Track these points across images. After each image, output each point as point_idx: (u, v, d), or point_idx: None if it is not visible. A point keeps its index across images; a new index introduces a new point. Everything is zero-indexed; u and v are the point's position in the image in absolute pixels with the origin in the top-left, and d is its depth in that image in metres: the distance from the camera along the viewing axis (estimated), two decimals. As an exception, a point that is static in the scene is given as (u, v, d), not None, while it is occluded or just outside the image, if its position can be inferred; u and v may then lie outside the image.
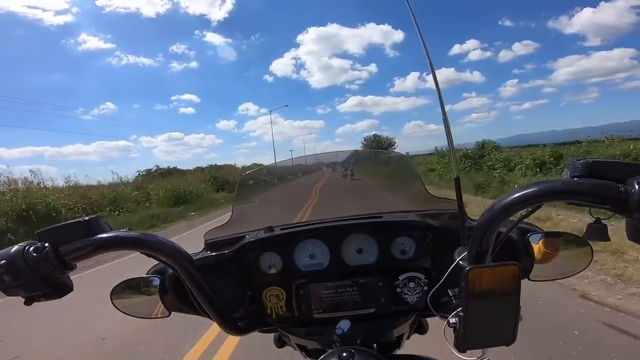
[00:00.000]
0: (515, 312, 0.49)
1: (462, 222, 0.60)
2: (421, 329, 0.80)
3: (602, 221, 0.46)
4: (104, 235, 0.52)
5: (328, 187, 1.09)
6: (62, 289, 0.52)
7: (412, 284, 0.71)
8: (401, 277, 0.71)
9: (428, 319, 0.78)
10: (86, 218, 0.52)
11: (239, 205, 0.92)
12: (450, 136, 0.58)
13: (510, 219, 0.48)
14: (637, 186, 0.40)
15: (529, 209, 0.47)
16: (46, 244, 0.49)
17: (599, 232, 0.46)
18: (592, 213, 0.46)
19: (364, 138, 61.56)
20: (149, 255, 0.57)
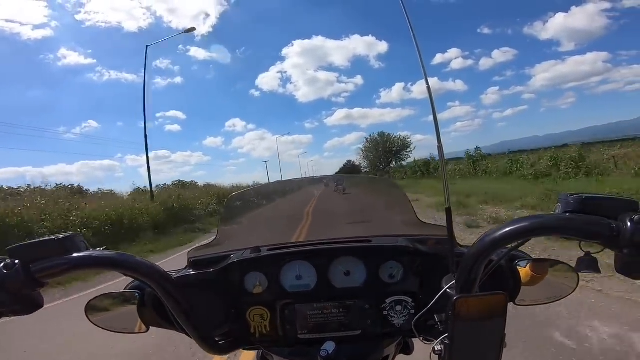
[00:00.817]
0: (501, 339, 0.49)
1: (450, 250, 0.60)
2: (407, 349, 0.79)
3: (592, 254, 0.46)
4: (79, 254, 0.50)
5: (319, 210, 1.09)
6: (31, 305, 0.50)
7: (399, 307, 0.70)
8: (388, 301, 0.71)
9: (416, 340, 0.77)
10: (61, 236, 0.50)
11: (225, 225, 0.91)
12: (444, 166, 0.57)
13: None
14: (628, 223, 0.41)
15: (519, 242, 0.47)
16: (16, 261, 0.47)
17: (589, 265, 0.46)
18: (582, 247, 0.46)
19: (366, 139, 52.60)
20: (126, 275, 0.55)
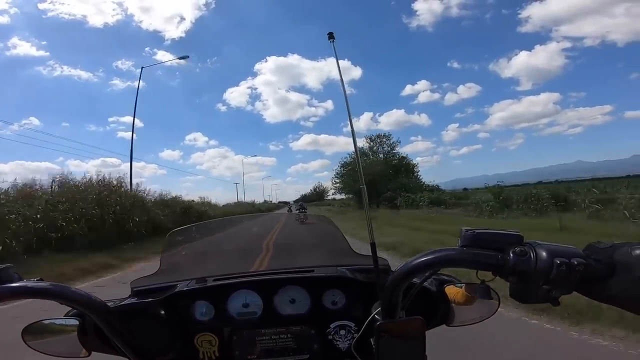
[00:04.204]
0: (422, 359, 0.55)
1: (377, 279, 0.66)
2: None
3: (487, 282, 0.54)
4: (14, 284, 0.53)
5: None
6: None
7: (343, 332, 0.75)
8: (332, 325, 0.76)
9: None
10: None
11: (168, 257, 0.93)
12: (366, 204, 0.65)
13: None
14: (511, 254, 0.49)
15: (429, 272, 0.55)
16: None
17: (482, 292, 0.54)
18: (478, 275, 0.54)
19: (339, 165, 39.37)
20: (63, 304, 0.58)
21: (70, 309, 0.71)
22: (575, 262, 0.45)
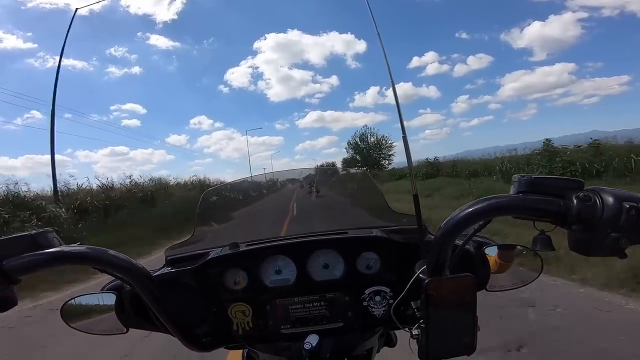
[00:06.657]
0: (473, 322, 0.51)
1: (420, 237, 0.63)
2: (390, 342, 0.81)
3: (546, 233, 0.49)
4: (52, 249, 0.50)
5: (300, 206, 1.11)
6: (4, 303, 0.49)
7: (378, 298, 0.73)
8: (367, 291, 0.73)
9: (398, 332, 0.79)
10: (33, 232, 0.50)
11: (201, 222, 0.91)
12: (409, 154, 0.61)
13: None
14: (574, 200, 0.44)
15: (481, 223, 0.50)
16: None
17: (543, 242, 0.49)
18: (536, 226, 0.49)
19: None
20: (102, 271, 0.55)
21: (107, 283, 0.71)
22: None
